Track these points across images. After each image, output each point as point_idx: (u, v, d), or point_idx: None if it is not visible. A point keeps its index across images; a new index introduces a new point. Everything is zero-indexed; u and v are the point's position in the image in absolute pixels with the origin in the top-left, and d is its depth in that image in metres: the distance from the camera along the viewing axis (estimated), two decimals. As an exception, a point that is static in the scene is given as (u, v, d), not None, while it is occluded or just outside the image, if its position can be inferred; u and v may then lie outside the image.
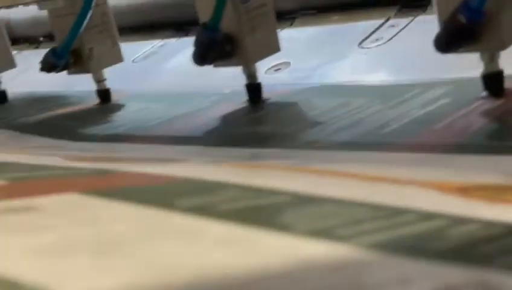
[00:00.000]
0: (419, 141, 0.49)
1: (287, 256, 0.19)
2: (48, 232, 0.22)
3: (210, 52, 0.62)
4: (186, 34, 0.95)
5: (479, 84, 0.54)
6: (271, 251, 0.20)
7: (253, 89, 0.66)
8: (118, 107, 0.78)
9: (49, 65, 0.74)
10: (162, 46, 0.95)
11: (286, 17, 0.87)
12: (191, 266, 0.19)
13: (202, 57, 0.63)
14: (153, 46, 0.95)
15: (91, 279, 0.18)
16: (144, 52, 0.96)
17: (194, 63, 0.64)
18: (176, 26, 0.96)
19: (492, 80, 0.53)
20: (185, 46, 0.87)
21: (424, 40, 0.59)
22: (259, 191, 0.29)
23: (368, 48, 0.72)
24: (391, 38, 0.72)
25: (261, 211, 0.26)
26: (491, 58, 0.52)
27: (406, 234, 0.21)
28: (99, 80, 0.79)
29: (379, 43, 0.72)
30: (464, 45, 0.51)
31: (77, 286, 0.18)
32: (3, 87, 0.92)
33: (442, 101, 0.56)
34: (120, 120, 0.74)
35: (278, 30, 0.72)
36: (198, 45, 0.62)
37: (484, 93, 0.53)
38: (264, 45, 0.65)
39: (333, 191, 0.29)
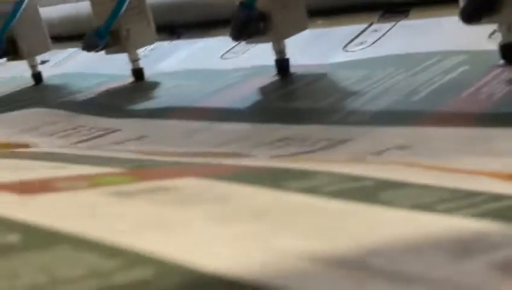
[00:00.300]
0: (450, 110, 0.52)
1: (406, 224, 0.22)
2: (198, 207, 0.24)
3: (246, 29, 0.67)
4: (178, 37, 0.97)
5: (494, 54, 0.57)
6: (389, 221, 0.22)
7: (283, 64, 0.70)
8: (153, 84, 0.82)
9: (91, 44, 0.78)
10: (152, 50, 0.95)
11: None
12: (337, 233, 0.21)
13: (239, 33, 0.67)
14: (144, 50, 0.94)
15: (272, 240, 0.20)
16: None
17: (231, 39, 0.69)
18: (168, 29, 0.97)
19: (510, 50, 0.56)
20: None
21: (405, 44, 0.63)
22: (350, 177, 0.31)
23: (352, 51, 0.74)
24: (374, 42, 0.74)
25: (362, 192, 0.28)
26: (508, 29, 0.57)
27: (491, 209, 0.24)
28: (135, 60, 0.82)
29: (363, 46, 0.74)
30: (485, 17, 0.56)
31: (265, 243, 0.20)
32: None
33: (463, 68, 0.60)
34: (159, 96, 0.77)
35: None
36: (235, 22, 0.66)
37: (501, 62, 0.57)
38: (293, 23, 0.69)
39: (412, 178, 0.31)
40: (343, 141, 0.51)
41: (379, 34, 0.75)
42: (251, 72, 0.76)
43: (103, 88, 0.86)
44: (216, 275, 0.16)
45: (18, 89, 0.98)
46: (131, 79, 0.85)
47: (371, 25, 0.78)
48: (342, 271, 0.17)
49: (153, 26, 0.82)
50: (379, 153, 0.46)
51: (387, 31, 0.75)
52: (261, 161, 0.46)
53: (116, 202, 0.26)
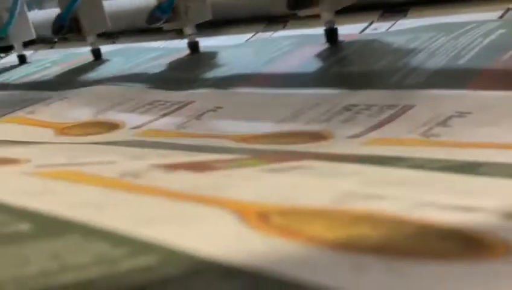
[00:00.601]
0: (497, 69, 0.55)
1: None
2: (342, 178, 0.27)
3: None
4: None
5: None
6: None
7: (332, 32, 0.74)
8: (210, 55, 0.84)
9: (154, 19, 0.82)
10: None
11: (279, 20, 0.92)
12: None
13: (295, 3, 0.72)
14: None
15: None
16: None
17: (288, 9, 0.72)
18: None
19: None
20: None
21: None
22: (436, 161, 0.35)
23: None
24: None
25: (463, 168, 0.31)
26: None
27: None
28: (191, 34, 0.86)
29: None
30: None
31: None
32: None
33: (500, 31, 0.60)
34: (223, 66, 0.80)
35: (271, 32, 0.81)
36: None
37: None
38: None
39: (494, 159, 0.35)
40: (407, 108, 0.53)
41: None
42: (300, 41, 0.77)
43: (162, 61, 0.87)
44: (216, 261, 0.17)
45: (78, 65, 1.00)
46: (186, 52, 0.88)
47: (371, 23, 0.81)
48: (342, 257, 0.17)
49: (209, 3, 0.86)
50: (444, 122, 0.49)
51: (386, 30, 0.78)
52: (349, 148, 0.48)
53: (273, 176, 0.30)
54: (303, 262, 0.17)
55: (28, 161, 0.36)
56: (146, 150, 0.50)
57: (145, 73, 0.86)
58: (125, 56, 0.98)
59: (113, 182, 0.28)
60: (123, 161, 0.37)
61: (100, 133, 0.67)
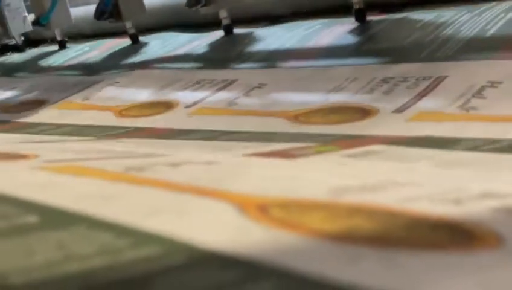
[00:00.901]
0: None
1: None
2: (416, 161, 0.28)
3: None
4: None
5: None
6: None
7: (361, 12, 0.74)
8: (244, 37, 0.85)
9: (193, 2, 0.83)
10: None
11: (281, 19, 0.90)
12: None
13: None
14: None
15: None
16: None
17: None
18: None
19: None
20: None
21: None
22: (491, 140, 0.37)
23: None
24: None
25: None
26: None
27: None
28: (225, 17, 0.86)
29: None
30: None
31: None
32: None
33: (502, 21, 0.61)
34: (258, 45, 0.81)
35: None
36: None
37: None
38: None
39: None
40: (441, 78, 0.55)
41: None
42: (329, 22, 0.80)
43: (200, 43, 0.88)
44: (216, 252, 0.17)
45: (117, 48, 1.02)
46: (219, 34, 0.88)
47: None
48: (339, 247, 0.17)
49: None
50: (479, 93, 0.50)
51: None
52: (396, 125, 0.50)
53: (352, 161, 0.31)
54: (301, 253, 0.17)
55: (36, 156, 0.37)
56: (229, 143, 0.52)
57: (188, 54, 0.87)
58: (162, 39, 0.98)
59: (118, 175, 0.28)
60: (204, 154, 0.38)
61: (158, 113, 0.69)
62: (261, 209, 0.21)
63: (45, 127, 0.74)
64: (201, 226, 0.19)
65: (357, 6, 0.74)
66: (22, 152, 0.40)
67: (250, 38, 0.83)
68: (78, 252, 0.17)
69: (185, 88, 0.74)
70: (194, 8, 0.84)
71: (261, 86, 0.67)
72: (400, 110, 0.52)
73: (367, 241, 0.18)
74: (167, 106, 0.70)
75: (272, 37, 0.81)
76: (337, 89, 0.60)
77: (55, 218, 0.20)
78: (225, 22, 0.87)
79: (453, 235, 0.19)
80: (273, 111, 0.60)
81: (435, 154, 0.34)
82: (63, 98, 0.84)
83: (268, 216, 0.20)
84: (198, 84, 0.73)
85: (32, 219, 0.20)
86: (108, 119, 0.72)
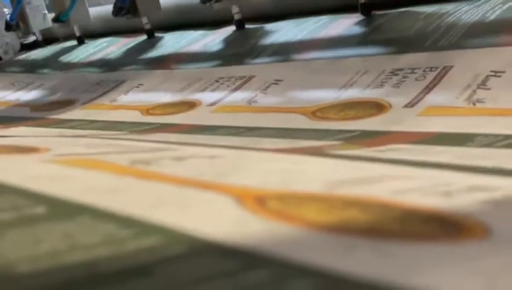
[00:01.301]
0: None
1: None
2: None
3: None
4: None
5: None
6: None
7: (367, 6, 0.75)
8: (255, 30, 0.86)
9: None
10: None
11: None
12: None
13: None
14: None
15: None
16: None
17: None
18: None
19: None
20: None
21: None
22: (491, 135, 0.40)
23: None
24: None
25: None
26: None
27: None
28: (237, 12, 0.87)
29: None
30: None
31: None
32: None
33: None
34: (270, 38, 0.81)
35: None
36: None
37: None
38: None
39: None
40: (447, 68, 0.56)
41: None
42: (334, 16, 0.80)
43: (214, 38, 0.88)
44: (215, 242, 0.17)
45: (133, 43, 1.02)
46: (231, 29, 0.88)
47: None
48: (333, 238, 0.17)
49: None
50: (483, 83, 0.51)
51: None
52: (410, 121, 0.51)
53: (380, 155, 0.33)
54: (297, 243, 0.17)
55: (47, 150, 0.37)
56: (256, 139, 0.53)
57: (204, 51, 0.87)
58: (175, 34, 0.99)
59: (125, 169, 0.28)
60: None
61: (182, 111, 0.70)
62: (259, 201, 0.21)
63: (78, 123, 0.75)
64: (202, 218, 0.19)
65: (363, 1, 0.74)
66: (34, 145, 0.41)
67: (261, 32, 0.84)
68: (84, 242, 0.17)
69: (205, 88, 0.75)
70: (207, 4, 0.85)
71: (277, 82, 0.68)
72: (410, 104, 0.54)
73: (361, 233, 0.18)
74: (190, 105, 0.72)
75: (282, 31, 0.81)
76: (350, 83, 0.60)
77: (62, 209, 0.21)
78: (237, 16, 0.87)
79: (443, 227, 0.19)
80: (291, 108, 0.61)
81: (454, 150, 0.34)
82: (91, 100, 0.86)
83: (266, 208, 0.20)
84: (218, 83, 0.75)
85: (40, 210, 0.21)
86: (136, 116, 0.73)
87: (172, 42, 0.95)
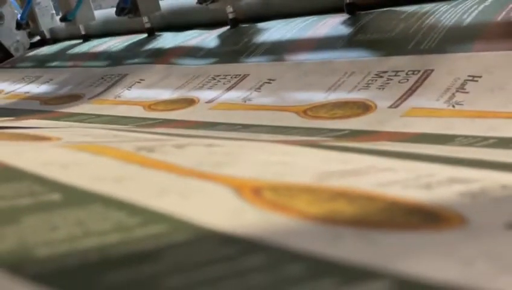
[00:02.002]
0: (499, 30, 0.57)
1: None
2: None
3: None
4: None
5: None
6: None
7: (352, 5, 0.75)
8: (248, 29, 0.86)
9: None
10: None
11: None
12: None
13: None
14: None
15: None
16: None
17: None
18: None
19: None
20: None
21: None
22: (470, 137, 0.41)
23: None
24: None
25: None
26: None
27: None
28: (231, 11, 0.88)
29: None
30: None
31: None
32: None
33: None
34: (262, 37, 0.81)
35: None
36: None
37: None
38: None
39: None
40: (428, 72, 0.56)
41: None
42: (320, 16, 0.79)
43: (210, 35, 0.88)
44: (215, 230, 0.18)
45: (135, 39, 1.02)
46: (225, 27, 0.89)
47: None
48: (323, 227, 0.18)
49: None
50: (462, 87, 0.52)
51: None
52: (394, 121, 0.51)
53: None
54: (289, 232, 0.18)
55: (58, 138, 0.38)
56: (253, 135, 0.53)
57: (200, 47, 0.87)
58: (173, 31, 1.00)
59: (130, 155, 0.28)
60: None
61: (182, 108, 0.71)
62: (255, 192, 0.21)
63: (86, 116, 0.75)
64: (203, 207, 0.20)
65: (348, 1, 0.75)
66: (46, 135, 0.41)
67: (254, 31, 0.84)
68: (96, 229, 0.18)
69: (203, 85, 0.75)
70: (204, 4, 0.85)
71: (270, 81, 0.68)
72: (394, 105, 0.54)
73: (348, 223, 0.18)
74: (189, 102, 0.72)
75: (272, 29, 0.81)
76: (338, 84, 0.61)
77: (75, 197, 0.21)
78: (231, 16, 0.88)
79: (424, 217, 0.19)
80: (284, 106, 0.62)
81: (435, 149, 0.35)
82: (97, 95, 0.86)
83: (262, 199, 0.21)
84: (214, 80, 0.75)
85: (55, 197, 0.21)
86: (139, 112, 0.73)
87: (171, 38, 0.96)
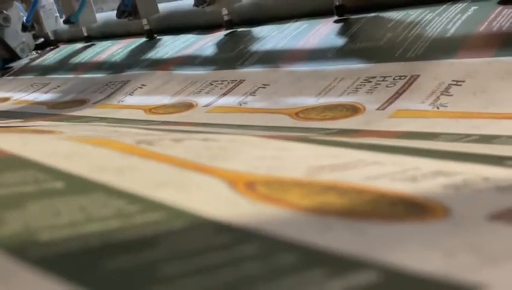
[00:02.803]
0: (481, 39, 0.57)
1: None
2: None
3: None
4: None
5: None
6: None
7: (341, 8, 0.75)
8: (245, 34, 0.87)
9: (201, 1, 0.83)
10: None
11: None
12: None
13: None
14: None
15: None
16: None
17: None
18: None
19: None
20: None
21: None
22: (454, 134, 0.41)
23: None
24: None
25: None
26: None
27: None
28: (226, 14, 0.88)
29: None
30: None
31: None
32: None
33: (473, 9, 0.63)
34: (257, 45, 0.81)
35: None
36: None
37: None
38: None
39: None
40: (414, 78, 0.56)
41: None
42: (312, 21, 0.80)
43: (207, 40, 0.88)
44: (210, 219, 0.18)
45: (136, 44, 1.02)
46: (221, 32, 0.89)
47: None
48: (313, 218, 0.18)
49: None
50: (446, 91, 0.52)
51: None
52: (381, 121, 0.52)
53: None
54: (282, 222, 0.18)
55: (61, 132, 0.37)
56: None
57: (198, 55, 0.87)
58: (172, 35, 0.99)
59: (131, 148, 0.28)
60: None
61: (182, 111, 0.71)
62: (249, 185, 0.21)
63: (91, 119, 0.75)
64: (199, 197, 0.20)
65: (337, 3, 0.75)
66: (49, 129, 0.41)
67: (248, 38, 0.84)
68: (97, 215, 0.18)
69: (201, 89, 0.75)
70: (200, 7, 0.85)
71: (264, 86, 0.69)
72: (382, 107, 0.54)
73: (337, 214, 0.18)
74: (188, 106, 0.72)
75: (266, 37, 0.81)
76: (329, 88, 0.61)
77: (78, 185, 0.21)
78: (226, 18, 0.88)
79: (409, 208, 0.19)
80: (277, 109, 0.62)
81: (420, 144, 0.35)
82: (101, 100, 0.86)
83: (255, 192, 0.20)
84: (212, 85, 0.75)
85: (58, 185, 0.21)
86: (140, 115, 0.74)
87: (170, 43, 0.96)
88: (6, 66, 1.28)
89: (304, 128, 0.53)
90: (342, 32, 0.73)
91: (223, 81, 0.74)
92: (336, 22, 0.76)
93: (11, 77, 1.20)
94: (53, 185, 0.20)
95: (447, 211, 0.18)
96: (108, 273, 0.14)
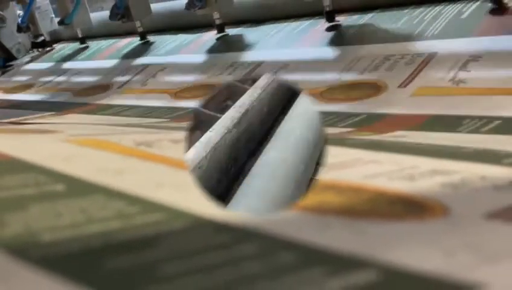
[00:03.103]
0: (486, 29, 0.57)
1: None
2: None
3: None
4: None
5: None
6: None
7: (332, 15, 0.74)
8: (238, 36, 0.85)
9: (191, 5, 0.83)
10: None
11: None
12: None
13: None
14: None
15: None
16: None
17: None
18: None
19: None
20: None
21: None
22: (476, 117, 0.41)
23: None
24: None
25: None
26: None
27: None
28: (218, 18, 0.87)
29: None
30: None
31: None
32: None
33: (473, 7, 0.63)
34: (255, 40, 0.81)
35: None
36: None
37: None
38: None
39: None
40: (432, 55, 0.57)
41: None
42: (308, 22, 0.79)
43: (200, 42, 0.88)
44: (209, 219, 0.18)
45: (132, 45, 1.02)
46: (212, 33, 0.88)
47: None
48: (312, 217, 0.18)
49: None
50: (464, 66, 0.52)
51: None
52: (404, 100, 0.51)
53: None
54: (280, 221, 0.18)
55: (61, 132, 0.37)
56: None
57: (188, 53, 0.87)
58: (165, 37, 0.99)
59: (130, 150, 0.28)
60: None
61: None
62: None
63: (119, 109, 0.74)
64: (198, 198, 0.20)
65: (328, 9, 0.74)
66: (50, 128, 0.40)
67: (244, 38, 0.83)
68: (98, 216, 0.18)
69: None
70: (192, 10, 0.85)
71: (285, 66, 0.68)
72: (404, 84, 0.54)
73: (336, 213, 0.18)
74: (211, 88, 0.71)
75: (265, 40, 0.80)
76: (348, 67, 0.61)
77: (78, 187, 0.21)
78: (218, 22, 0.87)
79: (408, 207, 0.19)
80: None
81: (443, 138, 0.35)
82: (124, 84, 0.85)
83: None
84: (231, 68, 0.75)
85: (59, 187, 0.21)
86: (166, 100, 0.73)
87: (164, 44, 0.96)
88: (7, 64, 1.28)
89: (330, 112, 0.53)
90: (341, 34, 0.72)
91: (244, 62, 0.74)
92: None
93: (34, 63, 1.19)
94: (54, 188, 0.20)
95: (445, 210, 0.18)
96: (109, 273, 0.14)
